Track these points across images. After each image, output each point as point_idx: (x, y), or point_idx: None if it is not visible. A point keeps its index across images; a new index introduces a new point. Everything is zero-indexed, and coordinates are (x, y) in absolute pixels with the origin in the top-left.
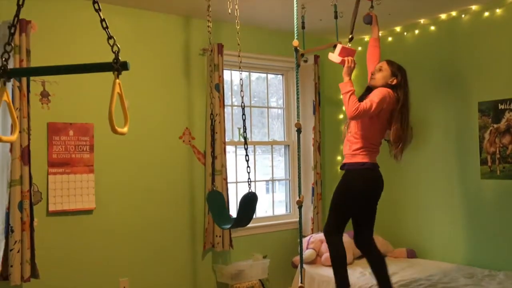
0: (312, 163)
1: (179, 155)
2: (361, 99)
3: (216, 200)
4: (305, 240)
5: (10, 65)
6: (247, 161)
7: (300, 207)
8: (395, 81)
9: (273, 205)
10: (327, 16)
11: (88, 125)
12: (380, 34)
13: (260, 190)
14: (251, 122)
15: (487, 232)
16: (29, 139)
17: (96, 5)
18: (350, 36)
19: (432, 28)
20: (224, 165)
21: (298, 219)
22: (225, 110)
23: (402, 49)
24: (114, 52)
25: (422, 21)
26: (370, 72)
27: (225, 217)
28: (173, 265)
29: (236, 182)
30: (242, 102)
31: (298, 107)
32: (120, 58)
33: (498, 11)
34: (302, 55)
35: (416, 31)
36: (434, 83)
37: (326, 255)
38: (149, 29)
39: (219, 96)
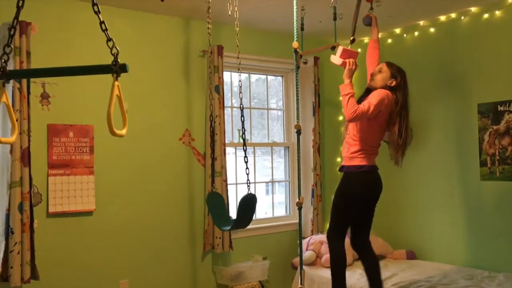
0: (311, 165)
1: (179, 157)
2: (360, 100)
3: (216, 202)
4: (305, 242)
5: (10, 67)
6: (246, 162)
7: (299, 209)
8: (394, 83)
9: (273, 206)
10: (327, 18)
11: (88, 127)
12: (379, 36)
13: (260, 192)
14: (250, 124)
15: (486, 233)
16: (29, 141)
17: (95, 7)
18: (351, 38)
19: (432, 30)
20: (224, 167)
21: (298, 221)
22: (225, 111)
23: (402, 50)
24: (113, 54)
25: (421, 23)
26: (370, 74)
27: (224, 219)
28: (173, 266)
29: (236, 184)
30: (241, 103)
31: (297, 108)
32: (120, 60)
33: (497, 13)
34: (301, 56)
35: (416, 33)
36: (433, 85)
37: (326, 256)
38: (149, 31)
39: (219, 97)
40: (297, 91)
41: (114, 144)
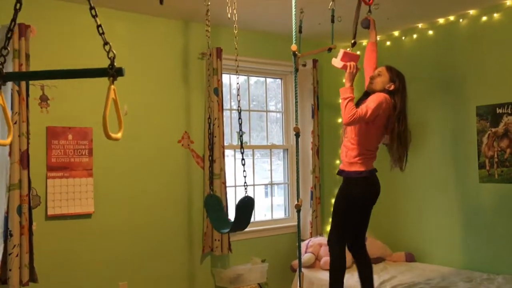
0: (310, 167)
1: (178, 159)
2: (358, 103)
3: (214, 204)
4: (304, 244)
5: (9, 69)
6: (243, 165)
7: (298, 211)
8: (392, 87)
9: (272, 209)
10: (326, 20)
11: (87, 129)
12: (378, 38)
13: (259, 194)
14: (249, 126)
15: (485, 235)
16: (28, 143)
17: (93, 11)
18: (352, 41)
19: (430, 32)
20: (223, 169)
21: (297, 223)
22: (224, 114)
23: (400, 53)
24: (109, 58)
25: (420, 25)
26: (368, 76)
27: (223, 221)
28: (172, 268)
29: (235, 186)
30: (239, 106)
31: (296, 111)
32: (119, 62)
33: (495, 15)
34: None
35: (414, 36)
36: (432, 87)
37: (325, 259)
38: (148, 33)
39: (218, 100)
40: (296, 93)
41: (113, 146)
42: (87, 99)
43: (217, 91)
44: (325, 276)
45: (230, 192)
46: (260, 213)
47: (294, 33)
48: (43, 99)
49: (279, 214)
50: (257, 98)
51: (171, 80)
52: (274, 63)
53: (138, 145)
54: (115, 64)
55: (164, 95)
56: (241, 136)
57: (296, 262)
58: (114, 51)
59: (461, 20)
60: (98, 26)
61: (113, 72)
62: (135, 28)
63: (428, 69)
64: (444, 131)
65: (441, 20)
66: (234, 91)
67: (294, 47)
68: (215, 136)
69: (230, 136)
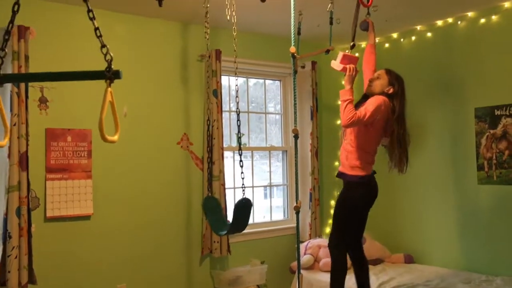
0: (309, 169)
1: (177, 161)
2: (357, 106)
3: (212, 206)
4: (303, 246)
5: (9, 71)
6: (241, 166)
7: (297, 213)
8: (391, 90)
9: (271, 210)
10: (324, 22)
11: (86, 131)
12: (376, 40)
13: (258, 196)
14: (248, 128)
15: (484, 237)
16: (27, 145)
17: (90, 14)
18: (351, 44)
19: (429, 34)
20: (222, 171)
21: (295, 225)
22: (223, 115)
23: (399, 55)
24: (107, 61)
25: (418, 27)
26: (366, 79)
27: (221, 223)
28: (171, 270)
29: (234, 188)
30: (237, 108)
31: (295, 113)
32: (118, 64)
33: (494, 17)
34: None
35: (413, 38)
36: (430, 89)
37: (324, 260)
38: (147, 35)
39: (217, 101)
40: (294, 96)
41: (112, 148)
42: (86, 101)
43: (216, 93)
44: (324, 277)
45: (229, 193)
46: (259, 215)
47: (293, 35)
48: (42, 101)
49: (278, 215)
50: (256, 100)
51: (170, 81)
52: (273, 65)
53: (137, 147)
54: (112, 66)
55: (163, 97)
56: (239, 138)
57: (295, 263)
58: (112, 54)
59: (459, 22)
60: (96, 29)
61: (110, 75)
62: (135, 30)
63: (426, 71)
64: (443, 133)
65: (439, 22)
66: (233, 93)
67: (292, 49)
68: (214, 138)
69: (229, 137)
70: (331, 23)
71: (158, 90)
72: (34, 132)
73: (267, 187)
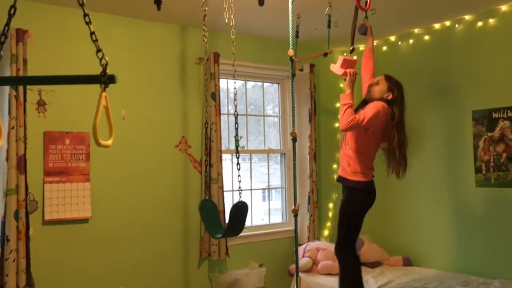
0: (308, 171)
1: (175, 164)
2: (356, 111)
3: (209, 209)
4: (301, 249)
5: (7, 74)
6: (238, 169)
7: (295, 216)
8: (390, 96)
9: (269, 213)
10: (322, 25)
11: (84, 134)
12: (374, 43)
13: (256, 198)
14: (247, 130)
15: (482, 239)
16: (25, 148)
17: (86, 18)
18: (351, 48)
19: (426, 37)
20: (220, 174)
21: (294, 227)
22: (222, 118)
23: (397, 58)
24: (102, 65)
25: (416, 30)
26: (365, 84)
27: (217, 226)
28: (169, 273)
29: (232, 191)
30: (235, 111)
31: (293, 116)
32: (115, 67)
33: (491, 21)
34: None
35: (411, 41)
36: (428, 92)
37: (322, 263)
38: (145, 38)
39: (215, 104)
40: (292, 99)
41: (111, 151)
42: (84, 104)
43: (215, 95)
44: (322, 280)
45: (227, 196)
46: (257, 218)
47: (291, 38)
48: (41, 103)
49: (277, 218)
50: (254, 102)
51: (168, 84)
52: (271, 68)
53: (135, 150)
54: (107, 71)
55: (162, 100)
56: (237, 141)
57: (293, 266)
58: (107, 58)
59: (457, 25)
60: (92, 33)
61: (105, 79)
62: (133, 33)
63: (424, 74)
64: (441, 136)
65: (437, 25)
66: (232, 96)
67: (291, 52)
68: (213, 141)
69: (227, 140)
70: (329, 26)
71: (156, 93)
72: (32, 135)
73: (266, 190)
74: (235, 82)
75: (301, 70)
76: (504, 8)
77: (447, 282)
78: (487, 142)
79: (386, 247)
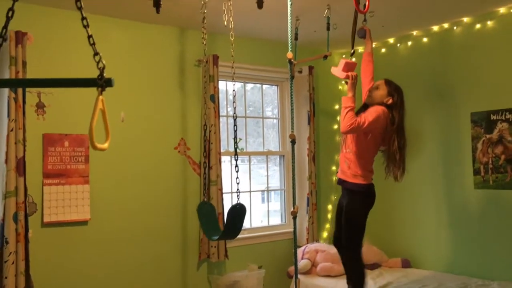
0: (307, 173)
1: (174, 166)
2: (356, 115)
3: (207, 212)
4: (300, 250)
5: (6, 76)
6: (237, 172)
7: (294, 218)
8: (390, 101)
9: (268, 215)
10: (321, 28)
11: (83, 136)
12: (373, 46)
13: (255, 200)
14: (246, 132)
15: (481, 242)
16: (24, 150)
17: (84, 21)
18: (352, 51)
19: (425, 39)
20: (219, 175)
21: (293, 229)
22: (221, 120)
23: (395, 60)
24: (99, 69)
25: (414, 32)
26: (364, 88)
27: (214, 228)
28: (168, 275)
29: (231, 193)
30: (234, 113)
31: (292, 118)
32: (114, 70)
33: (489, 23)
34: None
35: (409, 43)
36: (427, 94)
37: (321, 265)
38: (144, 41)
39: (214, 106)
40: (291, 101)
41: (110, 153)
42: (83, 106)
43: (214, 98)
44: (321, 282)
45: (226, 198)
46: (256, 219)
47: (290, 40)
48: (40, 106)
49: (276, 220)
50: (253, 104)
51: (167, 87)
52: (270, 70)
53: (134, 152)
54: (104, 74)
55: (161, 102)
56: (236, 143)
57: (292, 268)
58: (104, 62)
59: (455, 27)
60: (89, 36)
61: (102, 83)
62: (132, 35)
63: (423, 76)
64: (439, 138)
65: (435, 28)
66: (231, 98)
67: (289, 54)
68: (212, 143)
69: (226, 142)
70: (328, 28)
71: (155, 95)
72: (31, 137)
73: (265, 192)
74: (234, 84)
75: (300, 72)
76: (502, 10)
77: (445, 284)
78: (485, 144)
79: (385, 249)
